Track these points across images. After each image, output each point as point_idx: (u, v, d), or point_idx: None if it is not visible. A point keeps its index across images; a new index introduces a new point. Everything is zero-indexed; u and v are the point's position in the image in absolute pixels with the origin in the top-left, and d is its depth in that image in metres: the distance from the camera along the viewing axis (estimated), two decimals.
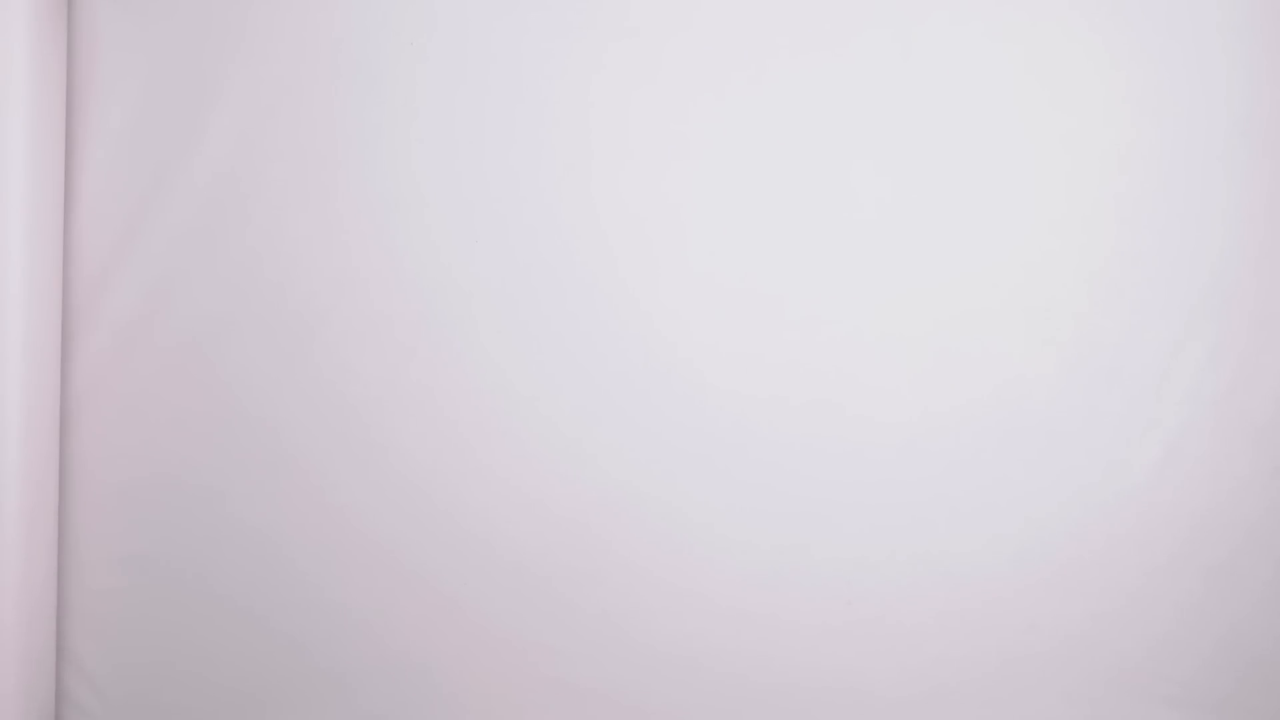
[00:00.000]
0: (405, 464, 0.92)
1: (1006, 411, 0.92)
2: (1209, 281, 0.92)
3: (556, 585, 0.92)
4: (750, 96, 0.91)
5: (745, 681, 0.92)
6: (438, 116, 0.92)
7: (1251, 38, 0.91)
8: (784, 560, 0.92)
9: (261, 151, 0.92)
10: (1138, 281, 0.92)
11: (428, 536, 0.92)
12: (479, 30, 0.92)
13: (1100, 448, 0.92)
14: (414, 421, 0.92)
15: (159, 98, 0.92)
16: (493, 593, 0.92)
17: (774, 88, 0.91)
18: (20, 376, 0.86)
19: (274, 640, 0.93)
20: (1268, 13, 0.91)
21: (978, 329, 0.92)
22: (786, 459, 0.91)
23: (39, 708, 0.90)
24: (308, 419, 0.92)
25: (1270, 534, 0.91)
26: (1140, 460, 0.92)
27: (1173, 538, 0.92)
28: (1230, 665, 0.92)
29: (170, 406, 0.93)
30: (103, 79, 0.92)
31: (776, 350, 0.91)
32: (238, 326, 0.92)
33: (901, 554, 0.92)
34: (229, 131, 0.92)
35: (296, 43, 0.92)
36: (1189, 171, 0.91)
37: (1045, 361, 0.92)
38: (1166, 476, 0.92)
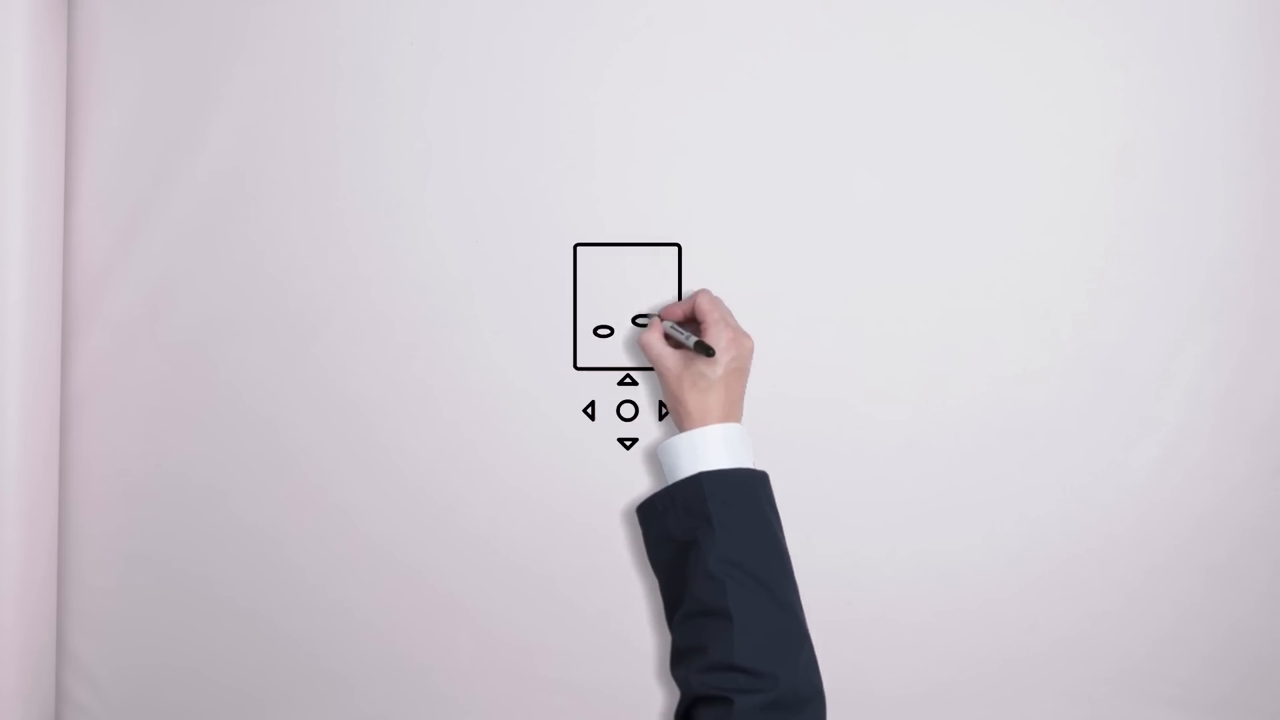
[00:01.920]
0: (406, 463, 0.92)
1: (1005, 410, 0.92)
2: (1208, 281, 0.92)
3: (556, 585, 0.92)
4: (752, 95, 0.92)
5: None
6: (440, 116, 0.92)
7: (1251, 37, 0.91)
8: None
9: (263, 151, 0.92)
10: (1137, 281, 0.92)
11: (428, 536, 0.92)
12: (481, 30, 0.92)
13: (1099, 447, 0.92)
14: (415, 421, 0.92)
15: (159, 98, 0.92)
16: (493, 593, 0.92)
17: (775, 87, 0.92)
18: (20, 376, 0.86)
19: (274, 640, 0.93)
20: (1267, 12, 0.91)
21: (976, 328, 0.92)
22: (786, 457, 0.91)
23: (39, 707, 0.89)
24: (309, 418, 0.92)
25: (1270, 534, 0.92)
26: (1140, 460, 0.92)
27: (1172, 538, 0.92)
28: (1230, 665, 0.92)
29: (171, 405, 0.93)
30: (103, 79, 0.92)
31: (776, 348, 0.91)
32: (239, 325, 0.92)
33: (901, 552, 0.92)
34: (230, 131, 0.92)
35: (298, 42, 0.92)
36: (1188, 171, 0.92)
37: (1044, 360, 0.92)
38: (1166, 476, 0.92)
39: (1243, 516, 0.90)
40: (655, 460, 0.89)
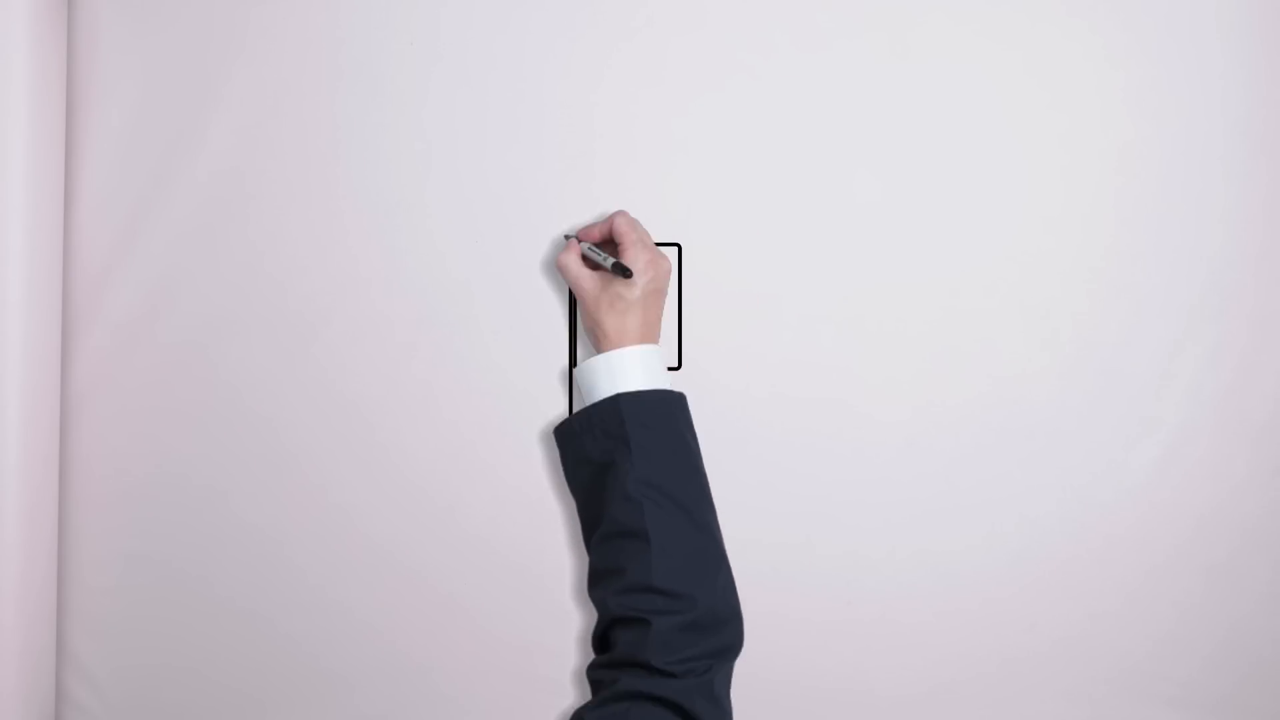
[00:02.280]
0: (406, 463, 0.92)
1: (1005, 410, 0.92)
2: (1208, 281, 0.92)
3: (556, 585, 0.92)
4: (752, 95, 0.92)
5: (745, 680, 0.92)
6: (440, 116, 0.92)
7: (1251, 36, 0.91)
8: (785, 558, 0.92)
9: (263, 151, 0.92)
10: (1137, 281, 0.92)
11: (428, 536, 0.92)
12: (481, 30, 0.92)
13: (1099, 447, 0.92)
14: (415, 421, 0.92)
15: (159, 98, 0.92)
16: (493, 593, 0.92)
17: (775, 87, 0.92)
18: (20, 376, 0.86)
19: (274, 640, 0.93)
20: (1267, 12, 0.91)
21: (976, 328, 0.92)
22: (786, 457, 0.91)
23: (39, 708, 0.90)
24: (309, 418, 0.92)
25: (1270, 534, 0.92)
26: (1140, 460, 0.92)
27: (1172, 538, 0.92)
28: (1230, 665, 0.92)
29: (171, 405, 0.93)
30: (103, 79, 0.92)
31: (776, 348, 0.91)
32: (239, 325, 0.92)
33: (901, 553, 0.92)
34: (230, 131, 0.92)
35: (298, 42, 0.92)
36: (1188, 171, 0.92)
37: (1044, 361, 0.92)
38: (1166, 476, 0.92)
39: (1243, 516, 0.90)
40: (573, 382, 0.88)
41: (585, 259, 0.86)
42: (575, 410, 0.83)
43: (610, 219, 0.86)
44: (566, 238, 0.89)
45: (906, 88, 0.92)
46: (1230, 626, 0.92)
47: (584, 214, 0.92)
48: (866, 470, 0.92)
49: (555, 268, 0.88)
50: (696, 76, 0.92)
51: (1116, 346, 0.92)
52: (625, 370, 0.79)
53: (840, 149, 0.92)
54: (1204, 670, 0.92)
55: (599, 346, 0.82)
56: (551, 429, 0.85)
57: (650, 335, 0.82)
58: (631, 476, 0.76)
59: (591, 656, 0.79)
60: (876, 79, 0.92)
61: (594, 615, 0.80)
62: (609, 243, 0.87)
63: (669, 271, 0.84)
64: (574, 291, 0.84)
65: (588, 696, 0.80)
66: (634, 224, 0.85)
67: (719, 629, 0.74)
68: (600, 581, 0.77)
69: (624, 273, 0.81)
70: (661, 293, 0.84)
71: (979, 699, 0.92)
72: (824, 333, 0.92)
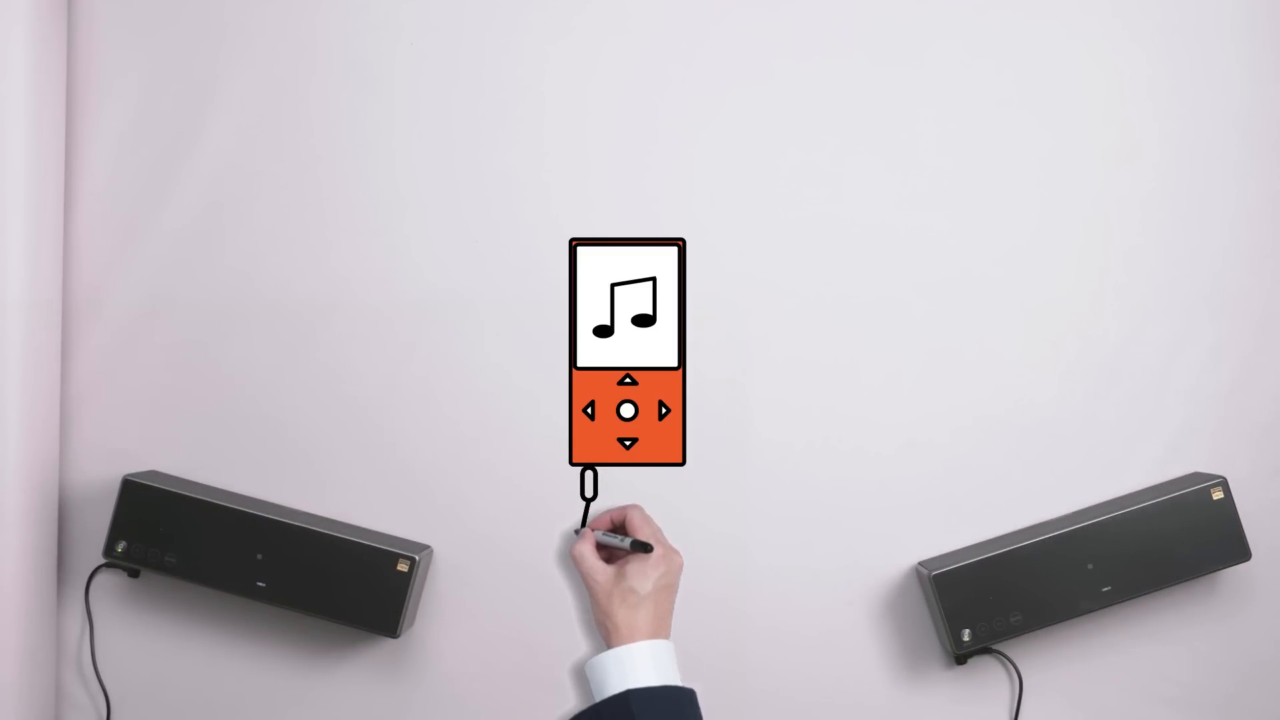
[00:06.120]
0: (407, 462, 0.92)
1: (1006, 411, 0.92)
2: (1209, 281, 0.92)
3: (557, 585, 0.92)
4: (753, 95, 0.92)
5: (744, 681, 0.92)
6: (440, 116, 0.92)
7: (1256, 37, 0.92)
8: (785, 560, 0.92)
9: (262, 150, 0.92)
10: (1138, 281, 0.92)
11: (429, 535, 0.92)
12: (480, 30, 0.92)
13: (1099, 447, 0.92)
14: (416, 420, 0.92)
15: (159, 98, 0.93)
16: (494, 592, 0.92)
17: (777, 86, 0.92)
18: (20, 376, 0.86)
19: (275, 640, 0.93)
20: (1273, 12, 0.91)
21: (977, 329, 0.92)
22: (786, 458, 0.92)
23: (39, 707, 0.90)
24: (310, 417, 0.92)
25: (1271, 534, 0.92)
26: (1140, 460, 0.92)
27: None
28: (1230, 665, 0.92)
29: (171, 404, 0.93)
30: (103, 79, 0.92)
31: (776, 350, 0.91)
32: (239, 325, 0.92)
33: (900, 554, 0.92)
34: (229, 131, 0.92)
35: (296, 43, 0.92)
36: (1191, 171, 0.92)
37: (1045, 361, 0.92)
38: (1166, 476, 0.92)
39: (1243, 516, 0.90)
40: (582, 677, 0.85)
41: (600, 548, 0.85)
42: (584, 706, 0.80)
43: (624, 510, 0.86)
44: (578, 531, 0.89)
45: (909, 91, 0.92)
46: (1231, 627, 0.92)
47: (580, 214, 0.92)
48: (867, 472, 0.92)
49: (570, 558, 0.86)
50: (698, 78, 0.92)
51: (1116, 346, 0.92)
52: (636, 666, 0.77)
53: (843, 150, 0.92)
54: (1204, 670, 0.92)
55: (609, 640, 0.79)
56: None
57: (661, 630, 0.80)
58: None
59: None
60: (882, 80, 0.92)
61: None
62: (620, 530, 0.86)
63: (680, 567, 0.83)
64: (586, 583, 0.83)
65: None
66: (648, 519, 0.85)
67: None
68: None
69: (644, 549, 0.81)
70: (673, 588, 0.82)
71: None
72: (825, 335, 0.92)
